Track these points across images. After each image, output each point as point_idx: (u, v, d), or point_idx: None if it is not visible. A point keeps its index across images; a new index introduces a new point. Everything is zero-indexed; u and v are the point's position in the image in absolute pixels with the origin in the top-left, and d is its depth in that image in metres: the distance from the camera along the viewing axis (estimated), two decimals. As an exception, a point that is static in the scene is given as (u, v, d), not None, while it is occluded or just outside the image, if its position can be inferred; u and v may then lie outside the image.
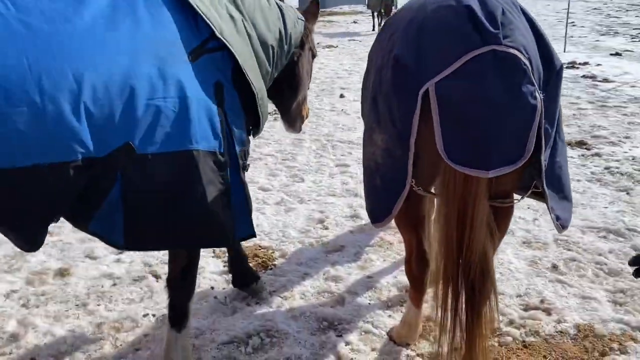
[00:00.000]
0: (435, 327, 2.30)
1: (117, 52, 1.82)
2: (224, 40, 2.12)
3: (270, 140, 6.44)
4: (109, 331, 2.89)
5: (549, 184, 2.11)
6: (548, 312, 3.09)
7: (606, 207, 4.48)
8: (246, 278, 3.19)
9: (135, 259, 3.60)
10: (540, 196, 2.23)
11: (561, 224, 2.20)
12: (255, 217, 4.19)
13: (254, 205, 4.37)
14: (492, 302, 2.17)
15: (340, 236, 4.02)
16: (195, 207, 2.02)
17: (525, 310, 3.12)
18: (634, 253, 3.73)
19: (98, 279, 3.37)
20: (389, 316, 3.04)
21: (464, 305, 2.18)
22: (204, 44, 2.11)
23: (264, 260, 3.62)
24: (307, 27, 2.90)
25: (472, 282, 2.11)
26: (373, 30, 20.83)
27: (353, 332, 2.90)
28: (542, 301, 3.18)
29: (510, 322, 3.00)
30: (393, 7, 20.36)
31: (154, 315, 3.01)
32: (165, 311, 2.93)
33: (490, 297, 2.16)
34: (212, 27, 2.10)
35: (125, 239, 1.99)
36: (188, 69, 2.01)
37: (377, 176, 2.25)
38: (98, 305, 3.11)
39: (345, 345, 2.78)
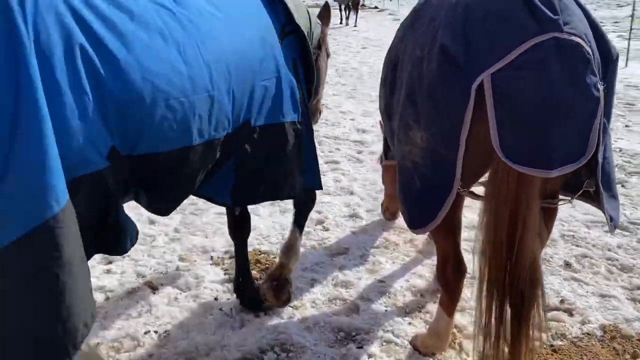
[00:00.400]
0: (476, 336, 2.13)
1: (243, 40, 2.13)
2: (299, 25, 2.50)
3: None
4: (108, 351, 2.62)
5: (603, 182, 1.97)
6: (570, 312, 2.99)
7: (606, 201, 4.43)
8: (254, 300, 2.97)
9: (126, 269, 3.32)
10: (585, 196, 2.09)
11: (614, 225, 2.07)
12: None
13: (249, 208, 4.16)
14: (540, 310, 2.03)
15: (342, 238, 3.83)
16: (283, 168, 2.45)
17: (547, 311, 3.00)
18: (637, 245, 3.68)
19: (88, 293, 3.08)
20: (409, 324, 2.87)
21: (509, 313, 2.03)
22: (284, 28, 2.47)
23: (267, 267, 3.39)
24: (323, 29, 3.03)
25: (521, 289, 1.96)
26: (341, 23, 20.67)
27: (373, 342, 2.71)
28: (562, 301, 3.07)
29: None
30: (361, 0, 20.28)
31: (155, 332, 2.75)
32: (167, 327, 2.74)
33: (539, 304, 2.01)
34: (292, 13, 2.48)
35: (234, 199, 2.41)
36: (279, 50, 2.37)
37: (416, 177, 2.06)
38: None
39: (369, 358, 2.60)
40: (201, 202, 4.30)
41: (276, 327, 2.81)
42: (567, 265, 3.47)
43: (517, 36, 1.70)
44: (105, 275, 3.25)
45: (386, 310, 2.98)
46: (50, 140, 1.40)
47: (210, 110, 1.93)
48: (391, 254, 3.61)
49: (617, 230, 3.93)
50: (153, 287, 3.15)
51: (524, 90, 1.70)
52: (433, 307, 3.01)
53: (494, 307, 2.02)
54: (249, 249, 3.47)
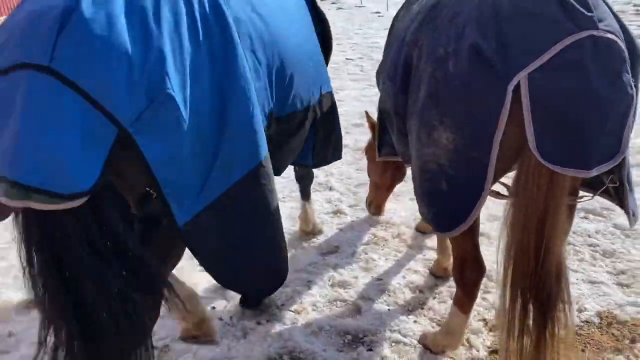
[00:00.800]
0: (501, 333, 2.13)
1: (304, 23, 2.69)
2: (325, 18, 3.03)
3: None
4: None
5: (626, 177, 1.99)
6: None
7: (576, 187, 4.57)
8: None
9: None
10: (604, 191, 2.11)
11: (635, 218, 2.10)
12: None
13: None
14: (566, 307, 2.03)
15: (330, 236, 3.75)
16: (338, 130, 3.10)
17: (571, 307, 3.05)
18: (619, 232, 3.82)
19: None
20: (414, 322, 2.84)
21: (533, 312, 2.02)
22: (315, 22, 2.91)
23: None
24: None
25: (547, 288, 1.96)
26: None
27: (382, 344, 2.67)
28: (554, 290, 3.13)
29: (535, 316, 2.91)
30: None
31: (155, 348, 2.58)
32: (166, 342, 2.60)
33: (565, 301, 2.01)
34: (323, 13, 2.99)
35: (315, 159, 2.97)
36: (315, 37, 2.82)
37: (443, 180, 2.01)
38: (82, 342, 2.63)
39: (381, 360, 2.55)
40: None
41: (281, 334, 2.72)
42: (553, 253, 3.54)
43: (553, 35, 1.67)
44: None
45: (389, 310, 2.94)
46: (254, 102, 1.92)
47: (313, 76, 2.63)
48: (382, 250, 3.58)
49: (592, 216, 4.06)
50: (142, 299, 2.96)
51: (562, 91, 1.67)
52: (434, 304, 3.00)
53: (518, 306, 2.01)
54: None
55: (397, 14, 2.88)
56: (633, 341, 2.72)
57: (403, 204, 4.28)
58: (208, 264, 2.03)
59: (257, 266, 2.16)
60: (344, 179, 4.76)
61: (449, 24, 1.95)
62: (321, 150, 2.93)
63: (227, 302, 2.94)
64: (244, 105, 1.87)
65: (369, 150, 3.65)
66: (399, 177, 3.61)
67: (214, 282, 3.06)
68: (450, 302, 3.01)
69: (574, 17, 1.69)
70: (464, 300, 2.39)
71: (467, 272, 2.29)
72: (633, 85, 1.74)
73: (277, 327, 2.77)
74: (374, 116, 3.49)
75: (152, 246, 1.81)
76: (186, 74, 1.67)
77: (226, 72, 1.82)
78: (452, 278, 3.20)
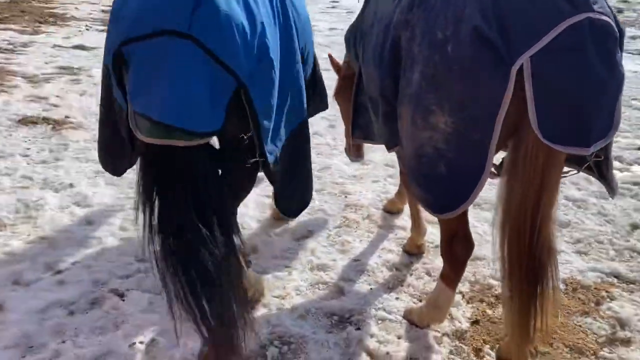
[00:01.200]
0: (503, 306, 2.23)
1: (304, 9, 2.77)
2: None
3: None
4: (93, 373, 2.36)
5: (609, 152, 2.12)
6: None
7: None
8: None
9: (81, 277, 2.98)
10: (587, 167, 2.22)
11: (615, 191, 2.23)
12: None
13: None
14: (555, 280, 2.14)
15: (302, 220, 3.74)
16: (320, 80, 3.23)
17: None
18: (571, 204, 4.06)
19: (46, 310, 2.72)
20: (397, 299, 2.92)
21: (526, 284, 2.13)
22: None
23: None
24: None
25: (541, 262, 2.06)
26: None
27: (369, 322, 2.72)
28: (522, 261, 3.30)
29: (507, 286, 3.06)
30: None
31: (141, 343, 2.52)
32: (153, 336, 2.55)
33: (554, 274, 2.13)
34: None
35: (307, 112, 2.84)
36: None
37: (441, 163, 2.05)
38: (62, 343, 2.52)
39: (371, 338, 2.60)
40: (140, 196, 3.99)
41: (268, 320, 2.71)
42: (515, 226, 3.72)
43: (553, 17, 1.74)
44: (58, 287, 2.90)
45: (371, 289, 3.00)
46: (302, 72, 2.56)
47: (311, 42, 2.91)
48: (355, 232, 3.63)
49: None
50: (120, 294, 2.87)
51: (564, 72, 1.75)
52: (412, 280, 3.09)
53: (514, 280, 2.11)
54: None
55: None
56: (597, 304, 2.93)
57: (367, 186, 4.35)
58: (278, 186, 2.69)
59: (303, 187, 2.88)
60: (306, 164, 4.76)
61: (444, 7, 1.99)
62: (312, 102, 2.98)
63: (209, 292, 2.89)
64: (298, 73, 2.47)
65: (339, 93, 3.56)
66: None
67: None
68: (426, 278, 3.13)
69: (571, 0, 1.77)
70: (452, 276, 2.47)
71: (456, 248, 2.37)
72: (622, 64, 1.85)
73: (264, 314, 2.76)
74: (340, 59, 3.52)
75: (232, 180, 2.43)
76: (275, 43, 2.18)
77: (287, 47, 2.35)
78: (425, 255, 3.32)
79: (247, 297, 2.26)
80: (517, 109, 1.84)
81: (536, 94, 1.77)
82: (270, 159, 2.28)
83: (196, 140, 1.98)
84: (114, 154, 2.58)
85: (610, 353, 2.54)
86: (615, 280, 3.13)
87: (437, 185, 2.13)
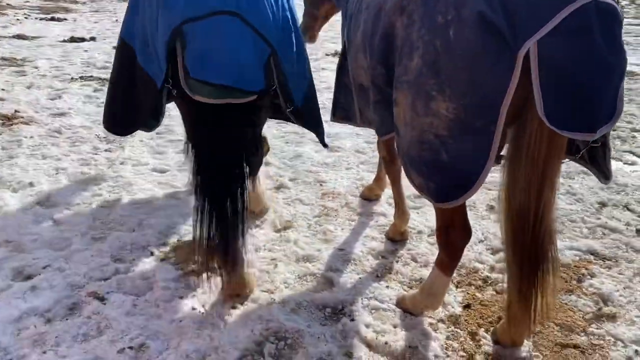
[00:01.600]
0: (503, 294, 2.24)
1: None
2: None
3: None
4: (82, 384, 2.22)
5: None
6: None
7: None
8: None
9: (55, 282, 2.80)
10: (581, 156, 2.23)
11: (609, 178, 2.25)
12: (169, 203, 3.64)
13: (161, 192, 3.83)
14: (555, 262, 2.17)
15: (280, 211, 3.68)
16: None
17: (494, 254, 3.26)
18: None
19: (20, 319, 2.54)
20: (387, 287, 2.90)
21: (527, 267, 2.14)
22: None
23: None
24: None
25: (542, 246, 2.08)
26: None
27: (362, 312, 2.69)
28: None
29: (492, 269, 3.10)
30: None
31: (131, 348, 2.39)
32: (141, 340, 2.44)
33: (554, 257, 2.15)
34: None
35: None
36: None
37: (443, 151, 2.02)
38: (43, 354, 2.35)
39: (367, 329, 2.57)
40: (107, 194, 3.81)
41: (261, 316, 2.63)
42: (491, 208, 3.78)
43: (557, 3, 1.72)
44: (31, 293, 2.71)
45: (360, 278, 2.97)
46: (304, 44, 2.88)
47: None
48: (336, 220, 3.59)
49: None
50: (99, 298, 2.71)
51: (571, 56, 1.73)
52: (400, 267, 3.08)
53: (517, 263, 2.12)
54: (189, 238, 3.20)
55: None
56: (579, 281, 3.01)
57: (341, 174, 4.31)
58: (305, 119, 2.96)
59: (319, 120, 3.08)
60: (277, 153, 4.67)
61: None
62: None
63: (195, 291, 2.79)
64: (302, 45, 2.82)
65: None
66: (332, 11, 3.69)
67: (174, 272, 2.91)
68: (413, 264, 3.13)
69: None
70: (448, 262, 2.46)
71: (454, 236, 2.35)
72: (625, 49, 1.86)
73: (255, 310, 2.68)
74: None
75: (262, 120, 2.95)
76: (290, 12, 2.67)
77: (294, 24, 2.71)
78: (408, 241, 3.32)
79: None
80: (520, 94, 1.83)
81: (542, 79, 1.76)
82: (298, 103, 2.78)
83: (248, 97, 2.53)
84: (128, 118, 3.06)
85: (598, 329, 2.61)
86: (592, 258, 3.22)
87: (439, 173, 2.10)
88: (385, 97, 2.38)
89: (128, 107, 2.98)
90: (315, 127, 3.05)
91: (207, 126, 2.59)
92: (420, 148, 2.10)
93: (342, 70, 3.00)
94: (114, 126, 3.22)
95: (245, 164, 2.67)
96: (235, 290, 2.75)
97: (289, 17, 2.65)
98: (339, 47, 8.93)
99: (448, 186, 2.11)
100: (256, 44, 2.45)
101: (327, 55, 8.35)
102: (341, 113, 3.14)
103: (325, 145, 3.14)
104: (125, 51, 2.83)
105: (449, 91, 1.93)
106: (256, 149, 2.99)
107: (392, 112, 2.29)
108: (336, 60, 8.18)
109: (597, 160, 2.18)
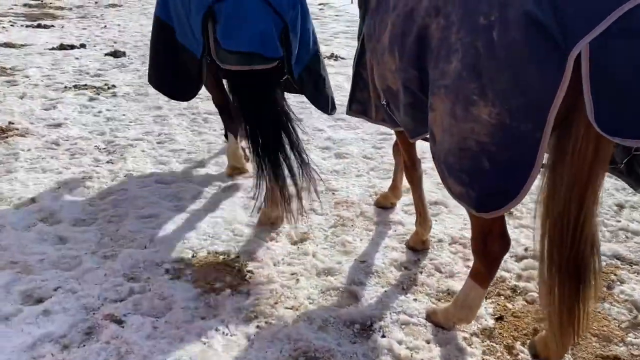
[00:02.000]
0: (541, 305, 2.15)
1: None
2: None
3: (126, 121, 5.43)
4: (107, 416, 2.09)
5: None
6: (536, 257, 3.19)
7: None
8: None
9: (68, 304, 2.66)
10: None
11: None
12: (179, 217, 3.51)
13: (168, 205, 3.70)
14: (597, 276, 2.08)
15: (295, 222, 3.56)
16: None
17: (518, 261, 3.18)
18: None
19: (35, 346, 2.40)
20: (414, 300, 2.80)
21: (569, 281, 2.05)
22: None
23: (239, 269, 3.02)
24: None
25: (584, 259, 1.99)
26: None
27: (393, 328, 2.59)
28: (525, 249, 3.27)
29: (519, 277, 3.02)
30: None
31: (155, 375, 2.27)
32: None
33: (597, 270, 2.07)
34: None
35: None
36: None
37: (485, 158, 1.92)
38: (63, 384, 2.22)
39: (400, 345, 2.47)
40: (113, 209, 3.66)
41: (288, 335, 2.52)
42: (510, 214, 3.70)
43: (608, 2, 1.64)
44: (44, 318, 2.57)
45: (385, 291, 2.87)
46: (312, 28, 3.44)
47: None
48: (353, 230, 3.48)
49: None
50: (117, 320, 2.58)
51: (625, 59, 1.64)
52: (424, 279, 2.99)
53: (556, 276, 2.03)
54: (209, 257, 3.09)
55: None
56: (609, 287, 2.93)
57: (352, 181, 4.21)
58: (307, 91, 3.46)
59: (327, 94, 3.59)
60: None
61: None
62: None
63: (216, 310, 2.66)
64: (309, 22, 3.35)
65: None
66: None
67: (192, 291, 2.79)
68: (438, 275, 3.04)
69: None
70: (485, 274, 2.36)
71: (492, 246, 2.26)
72: None
73: (281, 328, 2.56)
74: None
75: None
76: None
77: (302, 2, 3.24)
78: (430, 250, 3.23)
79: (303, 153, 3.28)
80: (568, 98, 1.74)
81: (593, 82, 1.67)
82: (295, 74, 3.26)
83: (270, 63, 3.06)
84: (178, 84, 3.69)
85: (636, 338, 2.53)
86: (619, 263, 3.16)
87: (481, 182, 2.00)
88: (417, 99, 2.29)
89: (179, 74, 3.56)
90: (315, 97, 3.49)
91: (240, 91, 3.19)
92: (460, 155, 2.01)
93: (359, 63, 2.92)
94: (162, 86, 3.80)
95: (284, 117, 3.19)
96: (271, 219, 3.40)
97: None
98: (334, 49, 8.87)
99: (490, 195, 2.01)
100: (274, 19, 3.01)
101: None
102: (357, 107, 3.08)
103: (330, 113, 3.62)
104: (163, 28, 3.47)
105: (492, 95, 1.84)
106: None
107: (425, 114, 2.21)
108: (332, 62, 8.16)
109: (636, 171, 2.10)
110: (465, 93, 1.91)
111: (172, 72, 3.58)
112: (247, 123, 3.17)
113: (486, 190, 2.01)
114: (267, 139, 3.13)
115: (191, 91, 3.69)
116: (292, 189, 3.22)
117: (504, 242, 2.28)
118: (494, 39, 1.80)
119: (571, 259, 2.00)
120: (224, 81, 3.70)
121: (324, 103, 3.53)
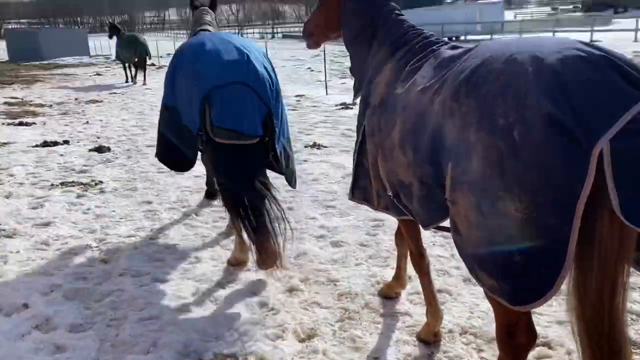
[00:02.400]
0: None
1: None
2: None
3: (117, 217, 5.35)
4: None
5: None
6: (548, 345, 3.15)
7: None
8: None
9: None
10: None
11: None
12: (181, 318, 3.41)
13: (169, 305, 3.59)
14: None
15: (299, 318, 3.48)
16: None
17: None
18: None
19: None
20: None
21: None
22: None
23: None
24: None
25: (620, 348, 1.99)
26: (127, 81, 19.60)
27: None
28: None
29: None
30: (147, 58, 19.52)
31: None
32: None
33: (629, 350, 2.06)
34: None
35: None
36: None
37: (516, 252, 1.95)
38: None
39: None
40: (111, 311, 3.53)
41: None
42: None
43: (623, 100, 1.75)
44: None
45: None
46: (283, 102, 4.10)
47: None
48: (360, 324, 3.38)
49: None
50: None
51: None
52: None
53: None
54: (209, 355, 2.96)
55: (374, 77, 2.86)
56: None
57: (352, 271, 4.18)
58: (281, 165, 3.99)
59: (293, 169, 4.29)
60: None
61: (502, 92, 1.95)
62: None
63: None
64: (284, 110, 4.03)
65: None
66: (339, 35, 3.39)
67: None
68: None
69: (636, 84, 1.80)
70: (512, 367, 2.32)
71: (520, 337, 2.23)
72: None
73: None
74: None
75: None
76: (278, 85, 3.87)
77: (278, 92, 3.87)
78: (442, 342, 3.16)
79: (280, 217, 3.78)
80: (592, 190, 1.81)
81: (617, 178, 1.75)
82: (278, 152, 3.86)
83: (252, 139, 3.63)
84: (178, 160, 4.26)
85: None
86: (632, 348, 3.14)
87: (513, 275, 2.01)
88: (432, 192, 2.35)
89: (178, 149, 4.11)
90: (289, 173, 4.14)
91: (227, 160, 3.69)
92: (490, 249, 2.03)
93: (361, 151, 2.98)
94: (167, 161, 4.40)
95: (260, 184, 3.72)
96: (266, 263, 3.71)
97: (276, 84, 3.83)
98: (315, 139, 9.08)
99: (524, 289, 2.02)
100: (259, 106, 3.63)
101: (305, 147, 8.37)
102: (360, 194, 3.10)
103: (293, 186, 4.30)
104: (171, 113, 4.03)
105: (517, 190, 1.90)
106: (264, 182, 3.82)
107: (438, 204, 2.29)
108: (315, 151, 8.33)
109: None
110: (491, 189, 1.96)
111: (176, 145, 4.10)
112: (230, 190, 3.77)
113: (519, 285, 2.01)
114: (251, 198, 3.72)
115: (189, 164, 4.20)
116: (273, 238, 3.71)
117: (532, 334, 2.26)
118: (515, 138, 1.88)
119: (610, 349, 1.99)
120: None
121: (291, 176, 4.22)
